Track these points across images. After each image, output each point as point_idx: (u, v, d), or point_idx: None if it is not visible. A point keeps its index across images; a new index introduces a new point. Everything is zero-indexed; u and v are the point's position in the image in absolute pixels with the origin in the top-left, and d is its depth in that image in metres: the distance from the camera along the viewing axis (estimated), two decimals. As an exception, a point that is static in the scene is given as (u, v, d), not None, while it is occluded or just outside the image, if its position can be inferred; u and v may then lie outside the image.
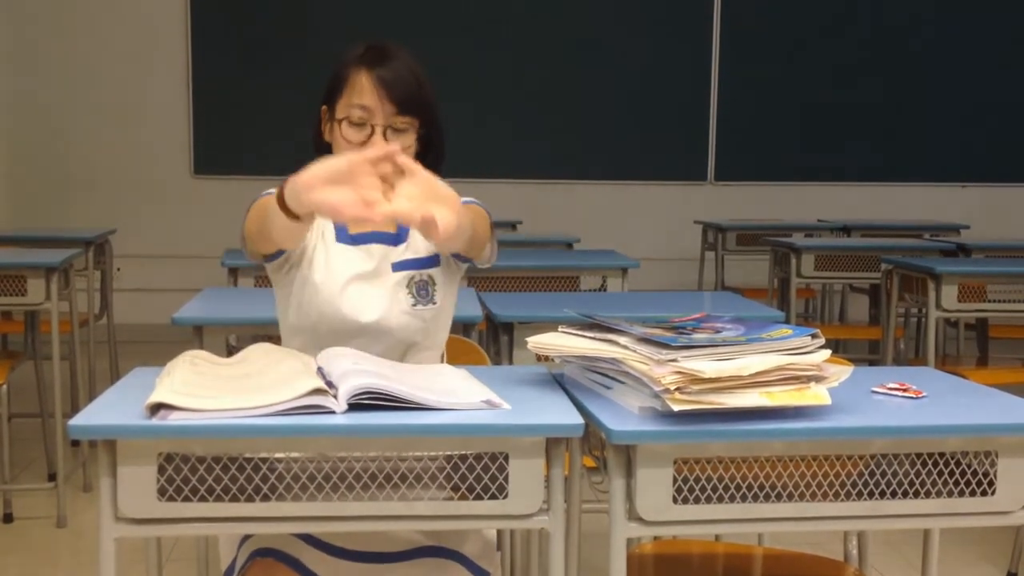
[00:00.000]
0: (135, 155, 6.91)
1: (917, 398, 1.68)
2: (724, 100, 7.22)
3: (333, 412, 1.47)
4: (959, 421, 1.58)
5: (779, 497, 1.52)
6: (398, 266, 1.94)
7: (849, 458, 1.52)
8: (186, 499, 1.44)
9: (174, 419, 1.42)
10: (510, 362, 2.71)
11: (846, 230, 5.92)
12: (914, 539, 2.14)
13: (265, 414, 1.45)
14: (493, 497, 1.48)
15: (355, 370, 1.57)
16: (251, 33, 6.87)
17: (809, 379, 1.54)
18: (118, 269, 6.02)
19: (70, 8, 6.79)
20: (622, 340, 1.61)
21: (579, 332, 1.71)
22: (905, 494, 1.54)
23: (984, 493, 1.55)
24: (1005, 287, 3.79)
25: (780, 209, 7.02)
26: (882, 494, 1.53)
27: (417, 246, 1.96)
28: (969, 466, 1.55)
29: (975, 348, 4.76)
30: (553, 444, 1.50)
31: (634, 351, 1.56)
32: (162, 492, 1.43)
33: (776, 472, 1.51)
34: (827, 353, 1.58)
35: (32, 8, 6.77)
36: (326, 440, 1.46)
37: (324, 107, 1.95)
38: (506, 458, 1.48)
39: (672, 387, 1.46)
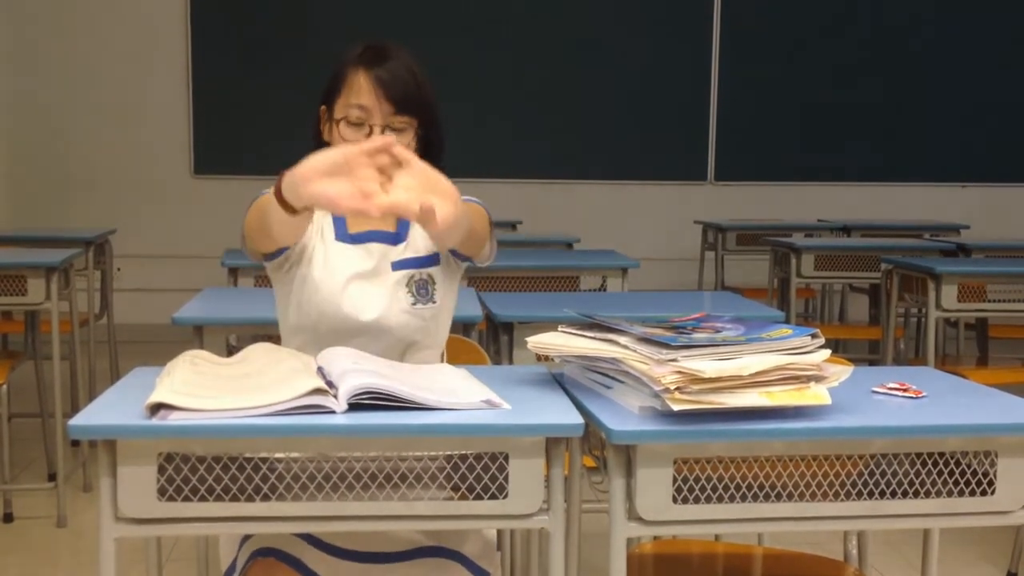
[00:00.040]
0: (135, 155, 6.91)
1: (917, 398, 1.68)
2: (724, 100, 7.22)
3: (333, 412, 1.47)
4: (959, 421, 1.58)
5: (779, 497, 1.52)
6: (398, 265, 1.94)
7: (849, 458, 1.52)
8: (186, 499, 1.44)
9: (174, 419, 1.42)
10: (510, 362, 2.71)
11: (846, 230, 5.92)
12: (914, 539, 2.14)
13: (265, 414, 1.45)
14: (493, 497, 1.48)
15: (355, 370, 1.57)
16: (251, 33, 6.87)
17: (809, 379, 1.54)
18: (118, 269, 6.02)
19: (70, 8, 6.79)
20: (622, 340, 1.61)
21: (579, 332, 1.70)
22: (905, 494, 1.54)
23: (984, 493, 1.55)
24: (1005, 287, 3.79)
25: (780, 209, 7.02)
26: (882, 494, 1.53)
27: (417, 245, 1.96)
28: (969, 466, 1.55)
29: (975, 348, 4.76)
30: (553, 444, 1.50)
31: (634, 351, 1.56)
32: (162, 492, 1.43)
33: (776, 472, 1.51)
34: (827, 353, 1.58)
35: (32, 8, 6.77)
36: (326, 440, 1.45)
37: (323, 107, 1.95)
38: (506, 458, 1.48)
39: (672, 387, 1.46)
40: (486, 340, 2.87)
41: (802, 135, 7.28)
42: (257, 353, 1.74)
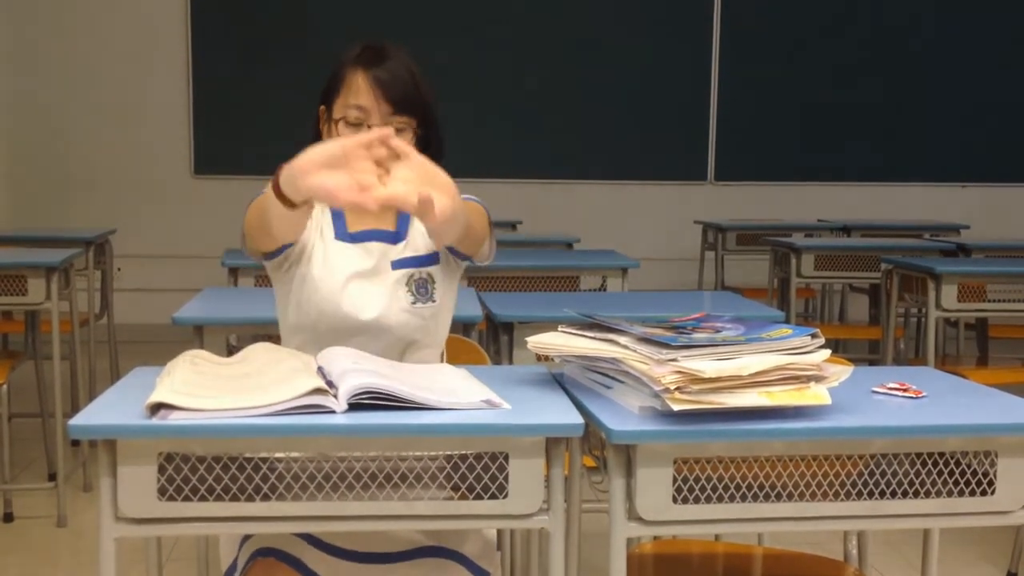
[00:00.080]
0: (135, 155, 6.91)
1: (917, 398, 1.68)
2: (724, 100, 7.22)
3: (333, 412, 1.47)
4: (959, 421, 1.58)
5: (779, 497, 1.52)
6: (397, 264, 1.94)
7: (849, 458, 1.52)
8: (186, 499, 1.44)
9: (174, 419, 1.42)
10: (510, 362, 2.71)
11: (846, 230, 5.92)
12: (914, 539, 2.14)
13: (265, 414, 1.45)
14: (493, 497, 1.48)
15: (355, 369, 1.57)
16: (251, 33, 6.87)
17: (809, 379, 1.54)
18: (118, 269, 6.02)
19: (70, 8, 6.79)
20: (622, 340, 1.61)
21: (579, 332, 1.70)
22: (905, 494, 1.54)
23: (984, 493, 1.55)
24: (1005, 287, 3.79)
25: (780, 209, 7.02)
26: (882, 494, 1.53)
27: (416, 244, 1.96)
28: (969, 466, 1.55)
29: (975, 348, 4.76)
30: (553, 444, 1.50)
31: (634, 351, 1.56)
32: (162, 492, 1.43)
33: (776, 472, 1.51)
34: (827, 353, 1.58)
35: (32, 8, 6.77)
36: (326, 440, 1.45)
37: (322, 107, 1.95)
38: (506, 458, 1.48)
39: (672, 387, 1.46)
40: (486, 340, 2.87)
41: (802, 135, 7.28)
42: (257, 353, 1.74)
